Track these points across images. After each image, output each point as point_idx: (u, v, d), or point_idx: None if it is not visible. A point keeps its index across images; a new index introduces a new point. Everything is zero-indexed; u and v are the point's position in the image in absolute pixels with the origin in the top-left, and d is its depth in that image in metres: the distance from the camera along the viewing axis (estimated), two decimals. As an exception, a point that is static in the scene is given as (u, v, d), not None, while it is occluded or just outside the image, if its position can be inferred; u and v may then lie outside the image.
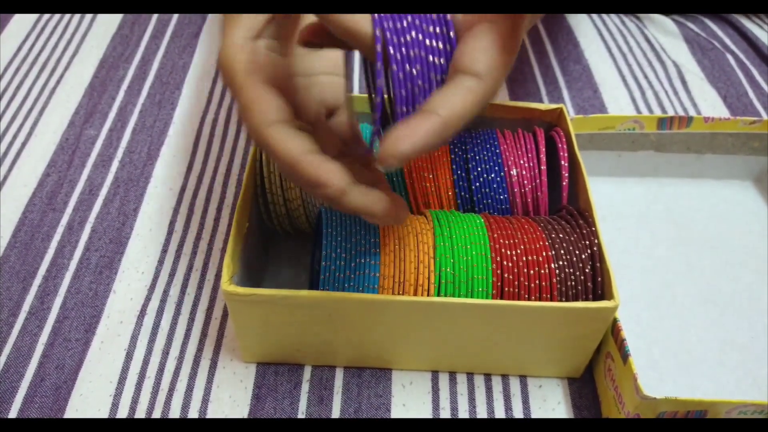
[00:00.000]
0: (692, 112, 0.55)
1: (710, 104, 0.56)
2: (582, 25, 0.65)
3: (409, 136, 0.24)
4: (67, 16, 0.64)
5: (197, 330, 0.39)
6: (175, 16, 0.63)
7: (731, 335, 0.40)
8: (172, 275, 0.42)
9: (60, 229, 0.44)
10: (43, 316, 0.40)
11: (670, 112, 0.55)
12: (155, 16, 0.63)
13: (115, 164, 0.49)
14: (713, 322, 0.41)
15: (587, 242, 0.34)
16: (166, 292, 0.41)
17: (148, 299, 0.41)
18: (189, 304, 0.40)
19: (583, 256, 0.34)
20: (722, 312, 0.41)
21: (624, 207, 0.47)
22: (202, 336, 0.39)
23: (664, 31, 0.65)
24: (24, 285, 0.41)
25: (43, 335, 0.39)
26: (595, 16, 0.67)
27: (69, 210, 0.46)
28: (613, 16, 0.67)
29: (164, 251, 0.43)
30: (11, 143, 0.51)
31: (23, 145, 0.50)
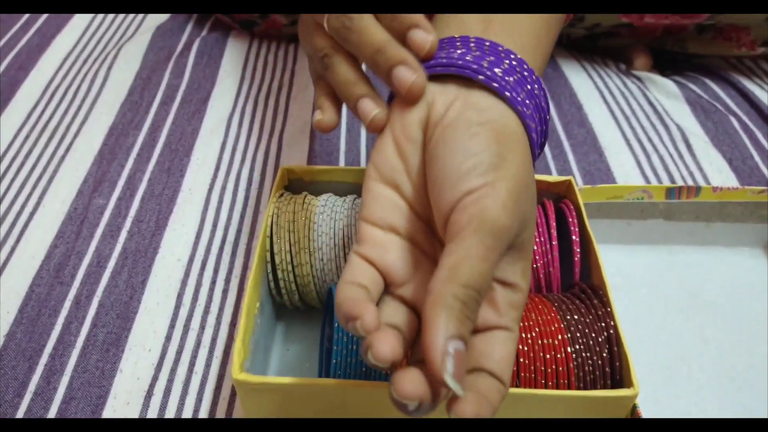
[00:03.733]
0: (698, 176, 0.56)
1: (716, 168, 0.56)
2: (584, 88, 0.66)
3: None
4: (77, 81, 0.64)
5: (204, 412, 0.38)
6: (185, 81, 0.64)
7: (750, 413, 0.39)
8: (179, 352, 0.41)
9: (67, 304, 0.44)
10: (48, 397, 0.39)
11: (676, 176, 0.55)
12: (164, 82, 0.64)
13: (123, 234, 0.49)
14: (731, 399, 0.40)
15: (603, 324, 0.34)
16: (173, 371, 0.40)
17: (155, 379, 0.40)
18: (197, 383, 0.40)
19: (600, 339, 0.33)
20: (739, 387, 0.41)
21: (635, 276, 0.47)
22: (210, 418, 0.38)
23: (665, 93, 0.65)
24: (30, 363, 0.40)
25: (48, 417, 0.38)
26: (596, 77, 0.68)
27: (77, 283, 0.45)
28: (614, 77, 0.68)
29: (171, 326, 0.43)
30: (19, 213, 0.51)
31: (31, 215, 0.50)
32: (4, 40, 0.70)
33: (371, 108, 0.31)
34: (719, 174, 0.56)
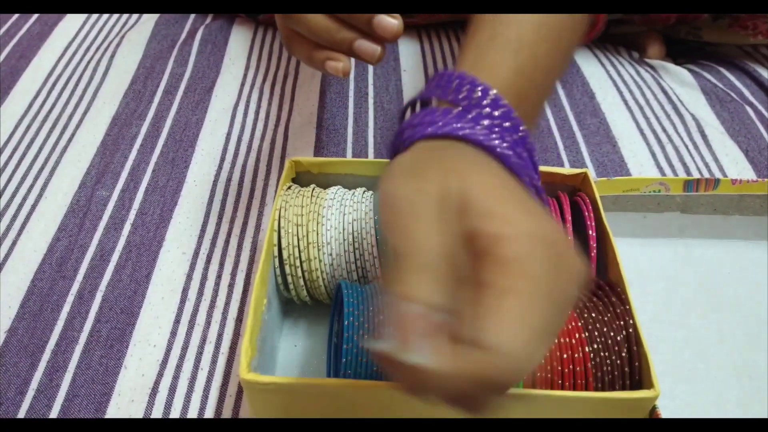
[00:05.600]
0: (714, 167, 0.54)
1: (732, 159, 0.55)
2: (596, 76, 0.65)
3: None
4: (79, 70, 0.63)
5: (210, 410, 0.37)
6: (189, 70, 0.63)
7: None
8: (185, 348, 0.40)
9: (70, 299, 0.43)
10: (51, 395, 0.38)
11: (692, 167, 0.54)
12: (168, 71, 0.63)
13: (127, 227, 0.48)
14: (750, 398, 0.39)
15: (622, 323, 0.33)
16: (179, 368, 0.39)
17: (160, 375, 0.39)
18: (203, 380, 0.39)
19: (619, 339, 0.32)
20: (758, 387, 0.39)
21: (651, 270, 0.46)
22: (216, 416, 0.37)
23: (680, 82, 0.64)
24: (32, 360, 0.40)
25: (51, 416, 0.37)
26: (609, 65, 0.66)
27: (79, 277, 0.44)
28: (627, 65, 0.66)
29: (177, 322, 0.42)
30: (21, 206, 0.50)
31: (33, 208, 0.49)
32: (4, 28, 0.69)
33: (367, 45, 0.33)
34: (735, 165, 0.54)
